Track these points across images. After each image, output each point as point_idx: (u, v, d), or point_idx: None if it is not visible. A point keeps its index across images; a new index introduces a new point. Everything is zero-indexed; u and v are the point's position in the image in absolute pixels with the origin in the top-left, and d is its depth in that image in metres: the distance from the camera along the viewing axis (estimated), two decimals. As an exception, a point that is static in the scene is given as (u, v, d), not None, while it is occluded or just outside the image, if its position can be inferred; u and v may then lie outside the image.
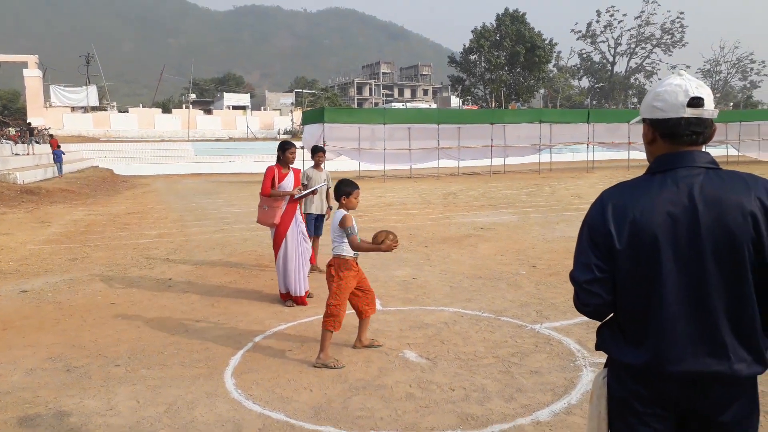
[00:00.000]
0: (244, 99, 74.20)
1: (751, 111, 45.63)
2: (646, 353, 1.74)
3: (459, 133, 29.98)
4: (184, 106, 68.91)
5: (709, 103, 1.75)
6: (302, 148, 26.90)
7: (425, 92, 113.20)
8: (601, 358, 4.57)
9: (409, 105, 72.09)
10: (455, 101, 77.81)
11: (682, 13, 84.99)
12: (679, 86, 1.75)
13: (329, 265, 4.61)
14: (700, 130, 1.75)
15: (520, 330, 5.31)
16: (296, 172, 6.50)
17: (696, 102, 1.73)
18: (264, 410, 3.77)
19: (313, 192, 7.27)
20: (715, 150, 37.97)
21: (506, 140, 31.14)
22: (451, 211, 14.87)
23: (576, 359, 4.57)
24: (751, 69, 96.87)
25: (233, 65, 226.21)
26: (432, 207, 15.85)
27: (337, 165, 34.02)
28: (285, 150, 6.37)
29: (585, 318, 5.57)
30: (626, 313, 1.80)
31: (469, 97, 71.88)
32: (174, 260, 8.94)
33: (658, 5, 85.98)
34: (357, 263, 4.63)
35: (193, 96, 77.17)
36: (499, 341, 5.01)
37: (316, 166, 7.82)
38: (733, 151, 36.80)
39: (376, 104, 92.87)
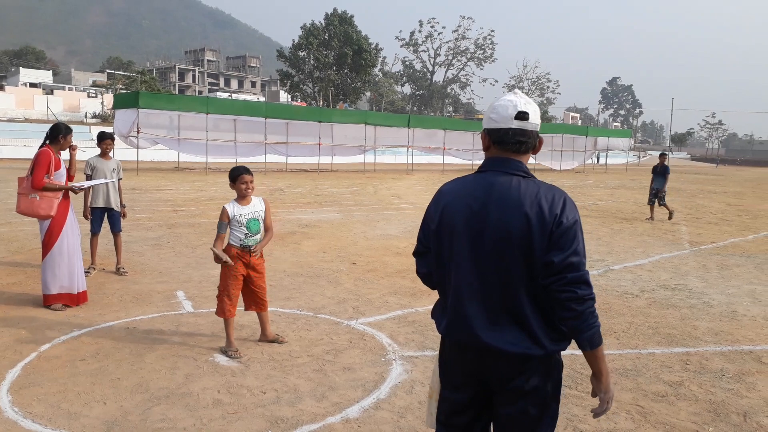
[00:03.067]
0: (45, 76, 66.12)
1: (546, 125, 51.55)
2: (444, 322, 2.09)
3: (287, 128, 29.72)
4: (-33, 78, 59.37)
5: (534, 118, 2.03)
6: (111, 135, 24.77)
7: (253, 84, 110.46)
8: (410, 351, 4.77)
9: (237, 96, 69.86)
10: (284, 96, 77.03)
11: (492, 30, 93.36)
12: (510, 101, 2.03)
13: (236, 254, 4.61)
14: (525, 140, 2.03)
15: (336, 327, 5.34)
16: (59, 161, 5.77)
17: (522, 115, 2.00)
18: (45, 429, 3.31)
19: (91, 186, 6.44)
20: (517, 158, 42.36)
21: (334, 139, 31.60)
22: (276, 207, 14.62)
23: (387, 353, 4.70)
24: (548, 87, 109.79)
25: (33, 38, 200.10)
26: (255, 203, 15.46)
27: (153, 154, 31.85)
28: (67, 134, 5.66)
29: (397, 312, 5.81)
30: (438, 286, 2.15)
31: (298, 94, 71.68)
32: (-58, 258, 7.59)
33: (473, 21, 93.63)
34: (250, 255, 4.61)
35: (-21, 68, 66.83)
36: (314, 339, 4.99)
37: (103, 154, 6.96)
38: (531, 160, 41.27)
39: (200, 92, 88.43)
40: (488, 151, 2.10)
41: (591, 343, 1.91)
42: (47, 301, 5.57)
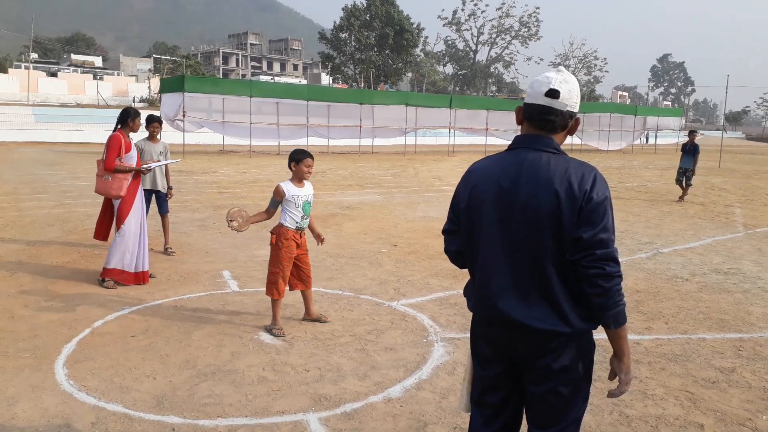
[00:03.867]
0: (95, 62, 67.91)
1: (593, 104, 50.15)
2: (473, 298, 2.12)
3: (329, 111, 29.80)
4: (23, 66, 61.59)
5: (567, 98, 1.98)
6: (159, 118, 25.32)
7: (295, 67, 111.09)
8: (451, 333, 4.76)
9: (279, 79, 70.47)
10: (326, 79, 77.24)
11: (538, 8, 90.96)
12: (547, 78, 1.99)
13: (271, 233, 4.70)
14: (552, 118, 1.99)
15: (378, 307, 5.37)
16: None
17: (552, 93, 1.96)
18: (99, 402, 3.45)
19: (159, 166, 6.66)
20: (562, 138, 41.44)
21: (375, 121, 31.53)
22: (319, 189, 14.64)
23: (428, 335, 4.70)
24: (595, 65, 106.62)
25: (83, 25, 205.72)
26: (298, 185, 15.60)
27: (199, 137, 32.46)
28: (135, 117, 5.87)
29: (438, 294, 5.79)
30: (468, 263, 2.16)
31: (339, 76, 71.75)
32: (3, 238, 7.95)
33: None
34: (301, 235, 4.73)
35: (34, 56, 69.29)
36: (356, 319, 5.03)
37: (151, 137, 7.12)
38: (577, 140, 40.34)
39: (243, 76, 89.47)
40: (522, 126, 2.08)
41: (616, 322, 1.90)
42: (103, 274, 5.80)
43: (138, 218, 5.83)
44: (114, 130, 5.86)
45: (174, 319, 4.90)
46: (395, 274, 6.57)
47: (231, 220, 4.54)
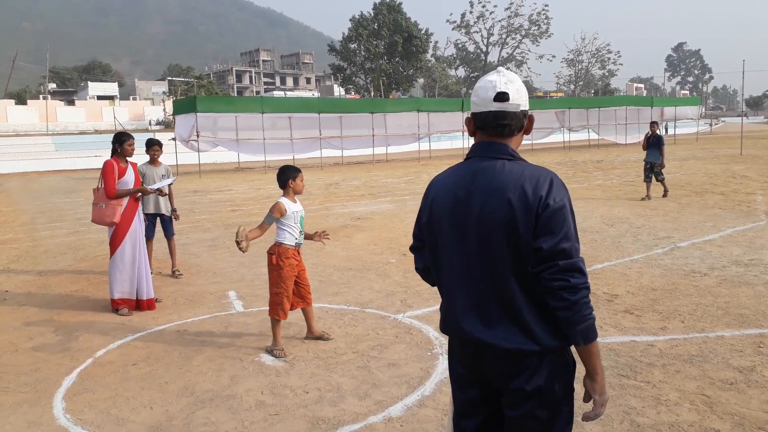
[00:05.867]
0: (111, 88, 69.35)
1: (609, 98, 49.52)
2: (441, 318, 2.02)
3: (341, 122, 29.86)
4: (41, 96, 62.97)
5: (517, 97, 1.87)
6: (174, 140, 25.58)
7: (308, 80, 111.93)
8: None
9: (292, 93, 71.00)
10: (338, 90, 77.61)
11: (546, 5, 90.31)
12: (490, 82, 1.88)
13: (270, 253, 4.59)
14: (507, 122, 1.88)
15: (383, 321, 5.26)
16: (134, 165, 6.00)
17: (501, 96, 1.85)
18: (94, 436, 3.39)
19: (160, 191, 6.64)
20: (578, 134, 40.98)
21: (387, 129, 31.51)
22: (331, 201, 14.71)
23: (434, 347, 4.58)
24: (609, 59, 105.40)
25: (99, 52, 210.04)
26: (312, 198, 15.59)
27: (215, 156, 32.74)
28: (123, 142, 5.82)
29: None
30: (436, 281, 2.06)
31: (351, 86, 72.00)
32: (15, 270, 8.02)
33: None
34: (299, 252, 4.66)
35: (52, 86, 70.84)
36: (360, 335, 4.93)
37: (152, 161, 7.14)
38: (594, 135, 39.84)
39: (257, 93, 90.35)
40: (475, 136, 1.97)
41: (585, 338, 1.76)
42: (114, 305, 5.78)
43: (134, 244, 5.78)
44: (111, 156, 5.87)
45: (176, 345, 4.86)
46: (402, 284, 6.46)
47: (240, 241, 4.33)
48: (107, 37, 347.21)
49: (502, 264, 1.80)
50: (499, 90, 1.85)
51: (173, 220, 7.35)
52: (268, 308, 4.68)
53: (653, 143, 12.83)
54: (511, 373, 1.84)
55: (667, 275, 6.41)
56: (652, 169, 12.66)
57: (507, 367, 1.84)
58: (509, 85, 1.86)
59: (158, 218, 7.23)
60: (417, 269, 2.19)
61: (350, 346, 4.69)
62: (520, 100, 1.88)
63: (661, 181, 12.72)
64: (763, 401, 3.52)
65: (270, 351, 4.56)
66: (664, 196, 12.73)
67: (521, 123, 1.91)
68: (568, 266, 1.73)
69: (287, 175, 4.61)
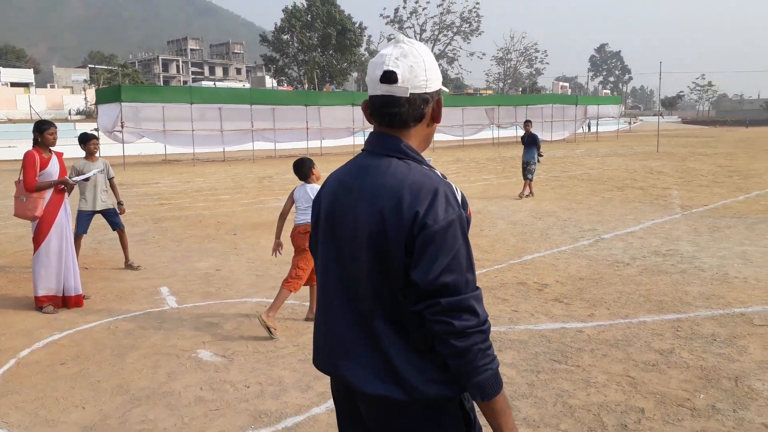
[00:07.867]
0: (26, 75, 65.20)
1: (536, 96, 51.29)
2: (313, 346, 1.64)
3: (274, 114, 29.38)
4: (-53, 82, 58.54)
5: (407, 78, 1.40)
6: (96, 130, 24.39)
7: (238, 71, 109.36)
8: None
9: (222, 84, 69.13)
10: (270, 81, 76.32)
11: (478, 3, 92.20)
12: (381, 57, 1.43)
13: (300, 231, 4.89)
14: (396, 110, 1.43)
15: (323, 314, 5.26)
16: (59, 155, 5.67)
17: (386, 77, 1.40)
18: (21, 439, 3.23)
19: (86, 180, 6.28)
20: (507, 131, 42.19)
21: (322, 122, 31.29)
22: (265, 195, 14.49)
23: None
24: (536, 57, 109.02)
25: (12, 36, 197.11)
26: (245, 192, 15.30)
27: (140, 148, 31.49)
28: (43, 131, 5.50)
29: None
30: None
31: (283, 78, 70.97)
32: None
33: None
34: None
35: (-41, 70, 65.80)
36: (300, 329, 4.91)
37: (89, 155, 6.84)
38: (522, 132, 41.10)
39: (185, 82, 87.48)
40: (373, 126, 1.56)
41: (482, 393, 1.36)
42: (37, 303, 5.47)
43: (60, 237, 5.49)
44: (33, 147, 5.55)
45: (107, 342, 4.67)
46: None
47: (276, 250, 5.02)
48: (21, 21, 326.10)
49: (370, 288, 1.42)
50: (387, 68, 1.40)
51: (120, 213, 7.08)
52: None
53: (528, 142, 12.98)
54: (384, 424, 1.47)
55: (593, 265, 6.75)
56: (527, 167, 12.73)
57: (377, 415, 1.48)
58: (401, 61, 1.40)
59: (102, 216, 6.95)
60: None
61: (290, 339, 4.67)
62: (413, 81, 1.41)
63: (529, 180, 12.74)
64: (681, 380, 3.78)
65: (264, 324, 4.64)
66: (528, 195, 12.67)
67: (419, 112, 1.45)
68: (453, 305, 1.33)
69: (308, 166, 5.09)
